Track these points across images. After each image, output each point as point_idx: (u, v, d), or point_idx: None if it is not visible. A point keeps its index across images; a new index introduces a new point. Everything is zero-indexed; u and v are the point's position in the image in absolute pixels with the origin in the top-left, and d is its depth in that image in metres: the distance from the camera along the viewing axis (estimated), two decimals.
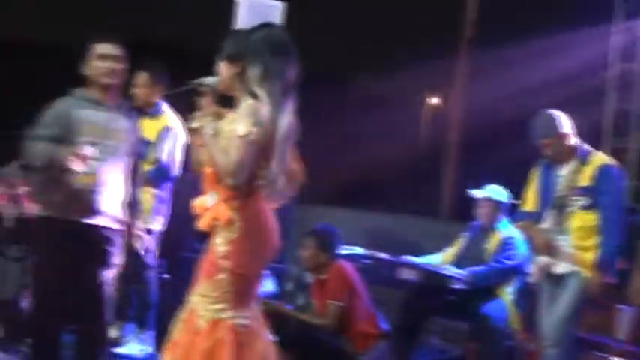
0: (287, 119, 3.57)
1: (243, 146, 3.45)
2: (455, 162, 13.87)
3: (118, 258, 4.60)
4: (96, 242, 4.50)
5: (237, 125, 3.48)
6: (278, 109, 3.54)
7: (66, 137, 4.43)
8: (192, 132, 3.70)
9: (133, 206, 4.67)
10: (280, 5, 5.73)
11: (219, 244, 3.58)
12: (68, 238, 4.43)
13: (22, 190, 5.69)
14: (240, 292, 3.58)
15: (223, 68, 3.73)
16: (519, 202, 5.58)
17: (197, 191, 3.71)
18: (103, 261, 4.53)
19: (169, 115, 5.88)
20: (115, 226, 4.57)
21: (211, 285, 3.56)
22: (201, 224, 3.65)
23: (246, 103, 3.55)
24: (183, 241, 6.39)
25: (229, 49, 3.72)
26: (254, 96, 3.55)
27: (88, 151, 4.30)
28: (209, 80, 3.73)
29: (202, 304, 3.57)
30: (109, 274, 4.57)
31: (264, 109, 3.51)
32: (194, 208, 3.71)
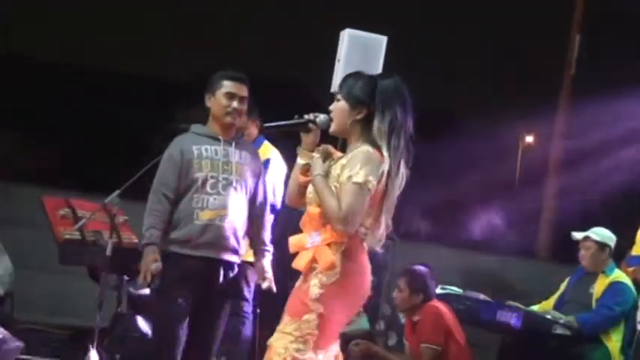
0: (402, 172, 3.53)
1: (358, 193, 3.41)
2: (554, 201, 13.54)
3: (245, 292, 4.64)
4: (219, 277, 4.47)
5: (353, 171, 3.43)
6: (398, 164, 3.49)
7: (186, 175, 4.44)
8: (299, 167, 3.61)
9: (263, 244, 4.62)
10: (384, 39, 5.64)
11: (314, 286, 3.49)
12: (191, 273, 4.42)
13: (122, 219, 5.73)
14: (323, 335, 3.51)
15: (343, 111, 3.58)
16: (630, 246, 5.35)
17: (288, 225, 3.60)
18: (226, 296, 4.54)
19: (268, 147, 5.84)
20: (237, 259, 4.55)
21: (296, 324, 3.50)
22: (298, 264, 3.56)
23: (364, 150, 3.49)
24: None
25: (353, 91, 3.56)
26: (376, 147, 3.50)
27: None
28: (321, 118, 3.61)
29: (282, 341, 3.50)
30: (228, 309, 4.58)
31: (385, 163, 3.47)
32: (290, 245, 3.62)
